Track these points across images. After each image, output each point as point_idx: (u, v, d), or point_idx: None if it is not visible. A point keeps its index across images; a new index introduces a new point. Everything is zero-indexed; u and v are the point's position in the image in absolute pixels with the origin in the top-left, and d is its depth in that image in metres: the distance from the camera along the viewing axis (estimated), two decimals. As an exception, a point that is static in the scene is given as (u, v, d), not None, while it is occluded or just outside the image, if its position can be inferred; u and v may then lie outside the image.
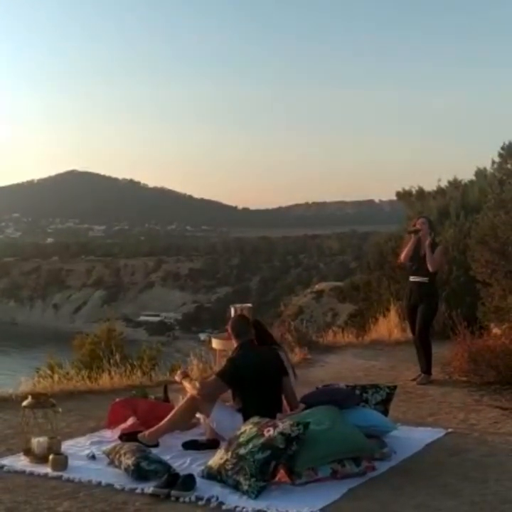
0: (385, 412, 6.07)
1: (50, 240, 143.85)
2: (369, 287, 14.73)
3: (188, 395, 5.90)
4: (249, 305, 7.68)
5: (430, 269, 8.29)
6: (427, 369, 8.44)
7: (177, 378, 6.18)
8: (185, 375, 6.13)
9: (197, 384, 5.80)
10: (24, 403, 5.53)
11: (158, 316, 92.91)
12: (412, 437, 6.01)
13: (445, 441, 6.04)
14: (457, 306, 10.21)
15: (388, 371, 9.13)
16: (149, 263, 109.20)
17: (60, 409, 5.66)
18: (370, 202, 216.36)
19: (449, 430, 6.34)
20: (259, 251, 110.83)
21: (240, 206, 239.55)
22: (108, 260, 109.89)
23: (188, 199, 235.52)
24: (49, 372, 8.47)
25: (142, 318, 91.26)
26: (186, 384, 5.93)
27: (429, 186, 17.17)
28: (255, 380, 5.74)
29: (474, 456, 5.61)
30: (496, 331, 9.58)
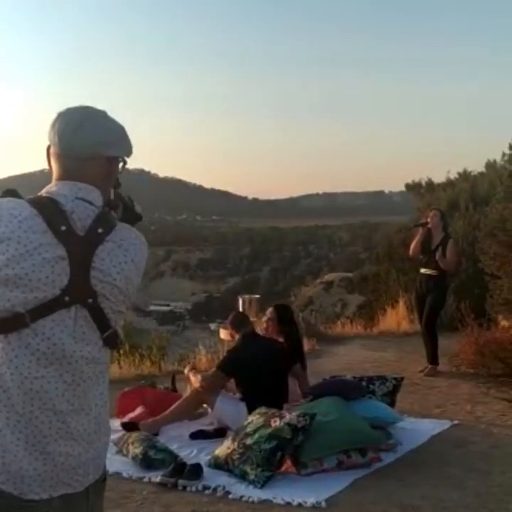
0: (392, 404, 6.08)
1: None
2: (378, 279, 14.72)
3: (194, 386, 5.96)
4: (257, 296, 7.72)
5: (443, 267, 8.30)
6: (432, 359, 8.45)
7: (185, 371, 6.24)
8: (193, 368, 6.20)
9: (199, 377, 5.86)
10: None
11: (168, 305, 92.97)
12: (418, 429, 6.03)
13: (451, 433, 6.06)
14: (466, 298, 10.19)
15: (396, 362, 9.14)
16: (159, 253, 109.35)
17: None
18: (381, 193, 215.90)
19: (455, 422, 6.36)
20: (270, 241, 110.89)
21: (251, 196, 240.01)
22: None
23: (199, 189, 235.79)
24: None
25: (152, 307, 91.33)
26: (191, 376, 5.99)
27: (439, 178, 17.16)
28: (256, 370, 5.80)
29: (480, 448, 5.63)
30: (504, 323, 9.57)
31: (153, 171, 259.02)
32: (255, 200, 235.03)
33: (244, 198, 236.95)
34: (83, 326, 1.86)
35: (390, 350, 10.08)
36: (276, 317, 6.45)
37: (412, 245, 8.63)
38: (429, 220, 8.47)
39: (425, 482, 4.86)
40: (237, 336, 6.08)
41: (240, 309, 7.45)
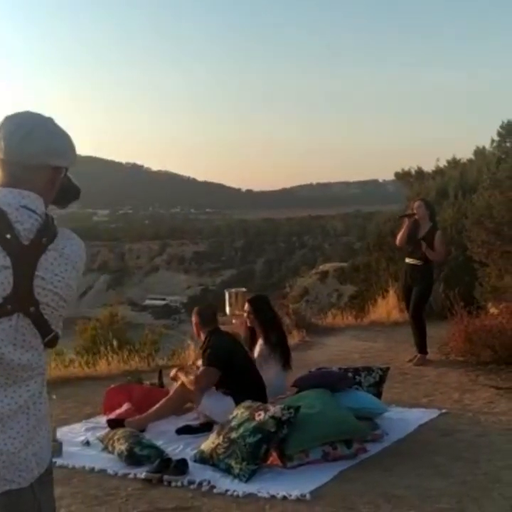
0: (378, 394, 6.08)
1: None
2: (368, 268, 14.72)
3: (178, 383, 5.95)
4: (244, 289, 7.73)
5: (432, 259, 8.31)
6: (421, 348, 8.46)
7: (171, 374, 6.22)
8: (181, 368, 6.20)
9: (192, 377, 5.84)
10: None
11: (163, 299, 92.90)
12: (405, 418, 6.04)
13: (438, 422, 6.06)
14: (455, 286, 10.20)
15: (385, 352, 9.14)
16: (154, 247, 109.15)
17: (54, 397, 5.70)
18: (374, 182, 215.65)
19: (443, 411, 6.36)
20: (264, 233, 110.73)
21: (244, 188, 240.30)
22: (113, 244, 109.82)
23: (192, 182, 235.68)
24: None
25: (148, 301, 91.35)
26: (182, 377, 5.97)
27: (430, 166, 17.15)
28: (237, 363, 5.90)
29: (467, 437, 5.64)
30: (493, 310, 9.58)
31: (146, 165, 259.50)
32: (249, 191, 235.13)
33: (238, 190, 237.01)
34: (25, 333, 1.89)
35: (380, 340, 10.08)
36: (253, 309, 6.53)
37: (399, 236, 8.62)
38: (415, 211, 8.46)
39: (411, 472, 4.86)
40: (202, 334, 6.12)
41: (227, 303, 7.46)
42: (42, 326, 1.91)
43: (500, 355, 7.89)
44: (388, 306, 11.66)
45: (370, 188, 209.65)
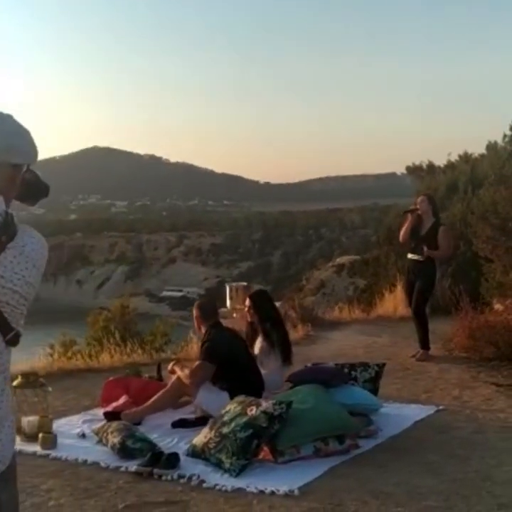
0: (375, 390, 6.09)
1: (73, 217, 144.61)
2: (377, 262, 14.68)
3: (174, 377, 5.98)
4: (245, 283, 7.76)
5: (440, 257, 8.34)
6: (424, 344, 8.44)
7: (169, 368, 6.25)
8: (178, 361, 6.23)
9: (187, 371, 5.87)
10: (14, 383, 5.61)
11: (180, 291, 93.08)
12: (402, 415, 6.03)
13: (435, 419, 6.05)
14: (462, 282, 10.16)
15: (389, 347, 9.13)
16: (171, 238, 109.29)
17: (50, 389, 5.74)
18: (392, 175, 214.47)
19: (441, 407, 6.35)
20: (281, 225, 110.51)
21: (262, 180, 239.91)
22: (130, 236, 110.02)
23: (210, 174, 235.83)
24: (49, 350, 8.58)
25: (165, 293, 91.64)
26: (178, 370, 5.99)
27: (444, 160, 17.01)
28: (235, 357, 5.89)
29: (462, 434, 5.63)
30: (498, 306, 9.53)
31: (164, 157, 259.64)
32: (267, 184, 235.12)
33: (256, 182, 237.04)
34: None
35: (385, 335, 10.06)
36: (254, 305, 6.54)
37: (402, 232, 8.61)
38: (418, 206, 8.44)
39: (403, 468, 4.86)
40: (203, 328, 6.12)
41: (228, 297, 7.49)
42: (2, 325, 1.91)
43: (503, 351, 7.86)
44: (395, 301, 11.62)
45: (387, 181, 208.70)
